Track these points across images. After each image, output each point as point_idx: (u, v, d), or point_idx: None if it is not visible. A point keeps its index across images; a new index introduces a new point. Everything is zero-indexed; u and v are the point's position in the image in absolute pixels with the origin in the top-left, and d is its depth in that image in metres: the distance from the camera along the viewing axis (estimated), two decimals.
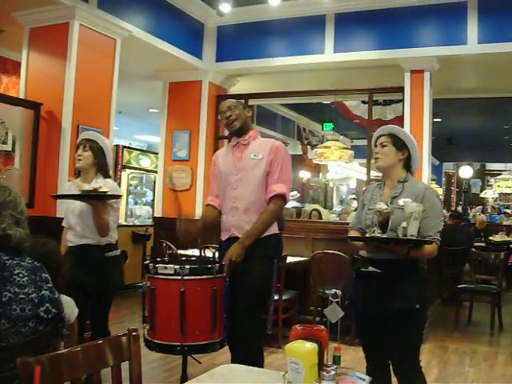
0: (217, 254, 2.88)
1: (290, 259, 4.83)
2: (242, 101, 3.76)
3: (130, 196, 8.25)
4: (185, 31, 5.91)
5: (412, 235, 2.34)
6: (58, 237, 3.11)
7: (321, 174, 12.43)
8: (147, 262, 2.66)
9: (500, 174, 14.73)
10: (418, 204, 2.36)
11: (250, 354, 2.71)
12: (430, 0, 5.18)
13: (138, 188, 8.64)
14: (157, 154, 7.24)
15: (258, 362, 2.69)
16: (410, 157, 2.59)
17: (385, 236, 2.38)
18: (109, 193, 2.95)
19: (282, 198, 2.86)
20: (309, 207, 7.59)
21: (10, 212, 1.85)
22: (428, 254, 2.46)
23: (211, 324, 2.53)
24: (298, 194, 10.29)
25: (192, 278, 2.50)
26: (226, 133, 4.96)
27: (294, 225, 5.57)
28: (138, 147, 9.79)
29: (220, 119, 3.04)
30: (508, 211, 13.68)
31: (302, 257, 5.26)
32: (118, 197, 3.10)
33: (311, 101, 7.42)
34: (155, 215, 6.51)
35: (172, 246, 5.14)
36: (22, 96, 4.71)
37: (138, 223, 7.94)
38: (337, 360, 1.57)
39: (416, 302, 2.41)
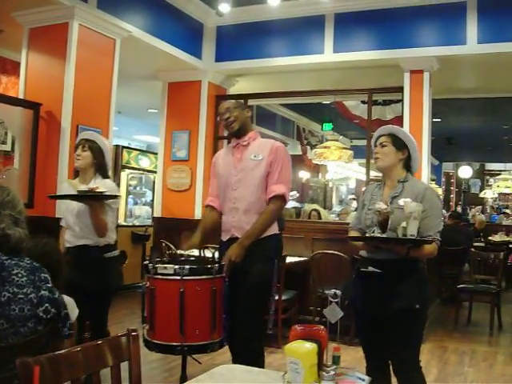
0: (216, 254, 2.88)
1: (289, 259, 4.83)
2: (242, 101, 3.75)
3: (130, 196, 8.24)
4: (184, 31, 5.90)
5: (412, 235, 2.33)
6: (56, 237, 3.11)
7: (320, 174, 12.41)
8: (146, 262, 2.65)
9: (499, 174, 14.75)
10: (417, 204, 2.36)
11: (250, 354, 2.71)
12: (430, 0, 5.18)
13: (138, 188, 8.62)
14: (156, 154, 7.23)
15: (259, 362, 2.69)
16: (409, 157, 2.59)
17: (384, 236, 2.37)
18: (106, 193, 2.94)
19: (282, 198, 2.86)
20: (308, 207, 7.57)
21: (8, 212, 1.84)
22: (428, 254, 2.46)
23: (211, 324, 2.53)
24: (298, 194, 10.30)
25: (191, 278, 2.50)
26: (226, 133, 4.95)
27: (294, 225, 5.56)
28: (138, 147, 9.77)
29: (219, 121, 3.04)
30: (507, 211, 13.67)
31: (301, 257, 5.26)
32: (115, 197, 3.09)
33: (311, 101, 7.40)
34: (154, 215, 6.50)
35: (171, 246, 5.12)
36: (21, 96, 4.70)
37: (138, 223, 7.92)
38: (336, 360, 1.56)
39: (416, 302, 2.41)
